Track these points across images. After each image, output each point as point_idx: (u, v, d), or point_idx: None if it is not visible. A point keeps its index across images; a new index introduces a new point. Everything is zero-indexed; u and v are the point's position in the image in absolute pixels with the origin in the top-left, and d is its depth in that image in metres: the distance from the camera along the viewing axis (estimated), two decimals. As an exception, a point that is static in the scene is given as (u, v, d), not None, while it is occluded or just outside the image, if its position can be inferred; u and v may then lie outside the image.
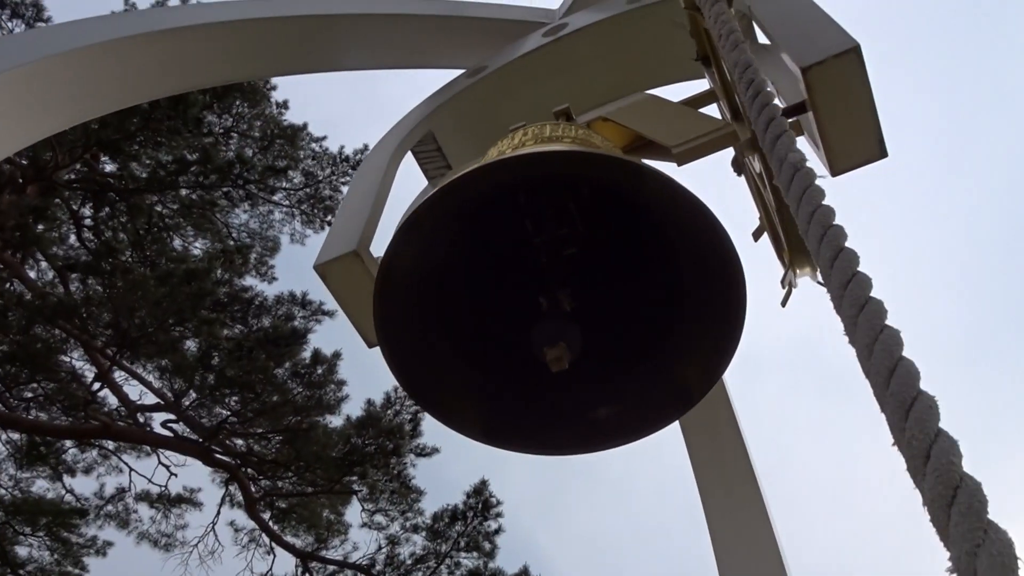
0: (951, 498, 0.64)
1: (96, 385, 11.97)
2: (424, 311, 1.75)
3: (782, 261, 2.12)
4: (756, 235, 2.01)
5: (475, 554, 13.12)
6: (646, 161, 1.86)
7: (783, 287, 2.20)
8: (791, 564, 3.19)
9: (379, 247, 2.08)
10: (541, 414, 1.85)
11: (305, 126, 15.36)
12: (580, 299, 1.72)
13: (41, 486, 13.15)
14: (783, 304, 2.05)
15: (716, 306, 1.61)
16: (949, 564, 0.63)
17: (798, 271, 2.04)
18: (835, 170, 1.96)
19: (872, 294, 0.86)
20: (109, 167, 14.24)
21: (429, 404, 1.81)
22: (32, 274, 13.09)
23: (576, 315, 1.68)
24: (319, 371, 12.10)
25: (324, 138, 15.58)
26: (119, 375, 12.44)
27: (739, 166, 2.39)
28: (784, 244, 2.02)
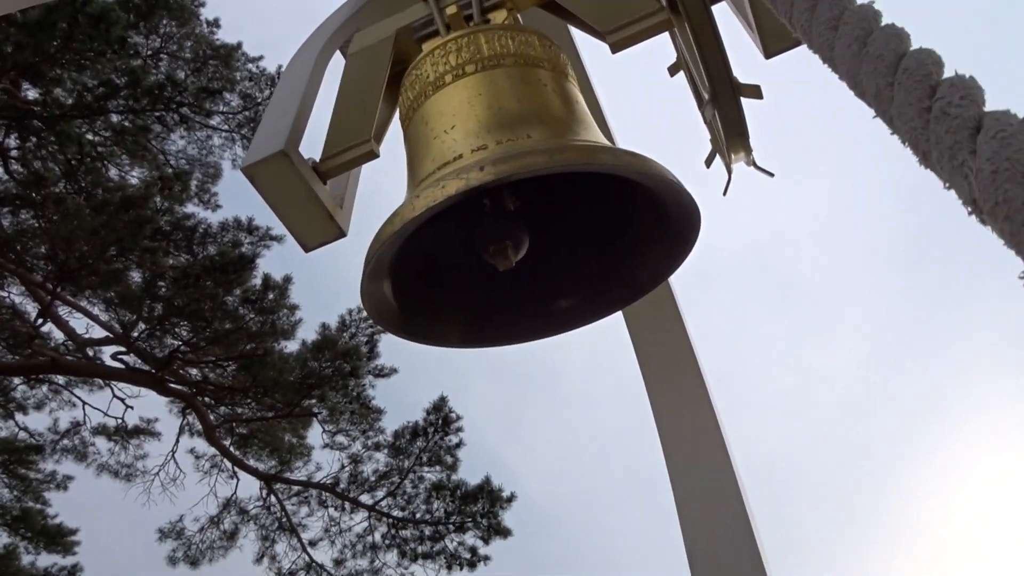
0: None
1: (39, 321, 11.68)
2: (400, 268, 1.78)
3: (719, 149, 2.11)
4: (702, 110, 2.00)
5: (437, 468, 13.42)
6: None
7: (707, 166, 2.21)
8: (736, 458, 3.32)
9: (308, 149, 2.02)
10: (505, 312, 1.94)
11: (239, 45, 14.75)
12: (529, 200, 1.74)
13: (-8, 425, 12.98)
14: (724, 193, 2.06)
15: (669, 221, 1.65)
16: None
17: (733, 156, 2.04)
18: (768, 52, 1.94)
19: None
20: (32, 93, 13.56)
21: (414, 334, 1.89)
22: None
23: (524, 214, 1.69)
24: (270, 297, 11.97)
25: (260, 58, 14.99)
26: (63, 310, 12.15)
27: (675, 68, 2.36)
28: (720, 129, 2.01)
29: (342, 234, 2.00)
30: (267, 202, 2.08)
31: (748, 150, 2.03)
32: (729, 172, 2.05)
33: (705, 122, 2.09)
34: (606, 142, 1.69)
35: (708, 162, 2.21)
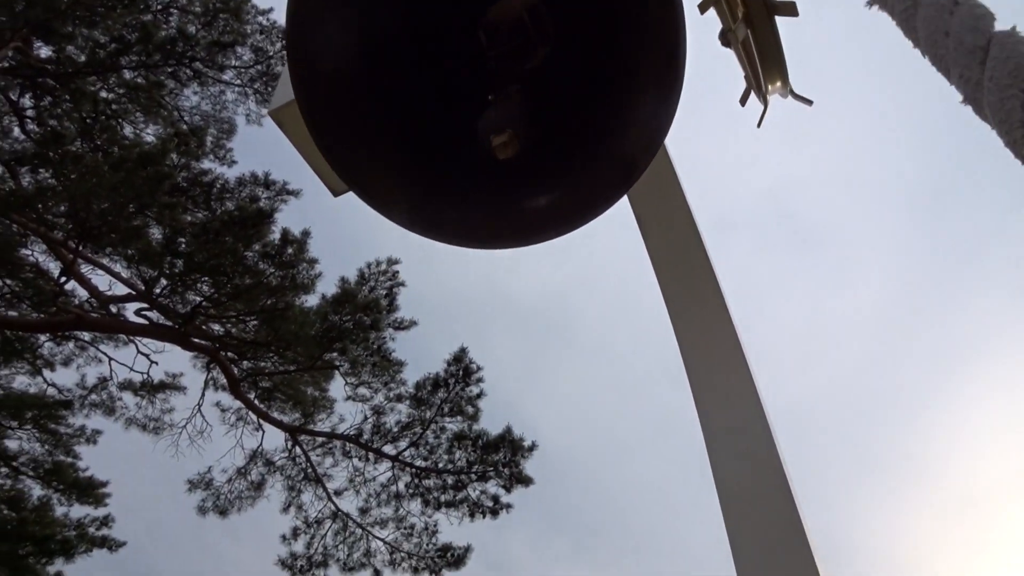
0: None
1: (63, 279, 11.80)
2: (355, 99, 1.65)
3: (755, 79, 2.06)
4: (734, 30, 1.94)
5: (459, 418, 13.56)
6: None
7: (742, 104, 2.15)
8: (766, 399, 3.31)
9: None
10: (486, 208, 1.81)
11: (249, -2, 14.58)
12: (521, 84, 1.63)
13: (22, 382, 13.24)
14: (759, 125, 2.01)
15: (654, 69, 1.54)
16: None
17: (769, 85, 1.99)
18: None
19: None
20: (44, 52, 13.50)
21: (369, 197, 1.73)
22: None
23: (521, 101, 1.59)
24: (289, 251, 12.00)
25: (271, 10, 14.83)
26: (85, 268, 12.26)
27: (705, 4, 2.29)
28: (756, 57, 1.96)
29: (369, 178, 1.98)
30: (294, 146, 2.07)
31: (785, 77, 1.97)
32: (765, 103, 2.00)
33: (736, 47, 2.03)
34: None
35: (743, 99, 2.15)
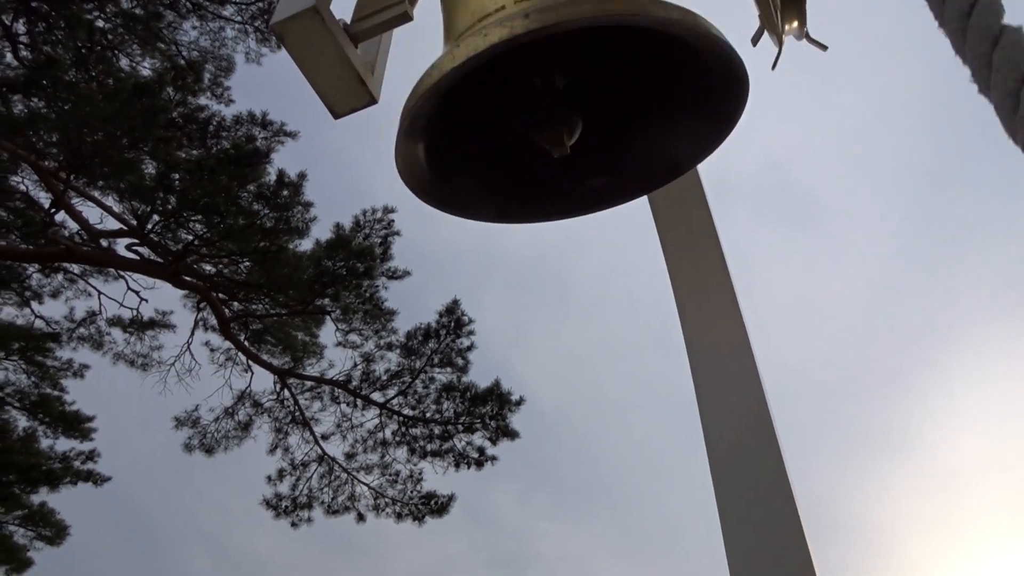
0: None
1: (53, 210, 11.65)
2: (436, 131, 1.69)
3: (770, 18, 1.95)
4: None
5: (448, 370, 13.60)
6: None
7: (753, 44, 2.05)
8: (762, 368, 3.27)
9: (339, 10, 1.89)
10: (538, 188, 1.87)
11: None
12: (576, 79, 1.68)
13: (9, 312, 13.16)
14: (772, 67, 1.92)
15: (717, 78, 1.55)
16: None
17: (786, 26, 1.89)
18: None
19: None
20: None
21: (445, 203, 1.82)
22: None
23: (572, 94, 1.64)
24: (284, 193, 11.86)
25: (273, -57, 14.39)
26: (76, 200, 12.09)
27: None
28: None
29: (373, 101, 1.90)
30: (296, 62, 1.97)
31: (803, 19, 1.87)
32: (780, 43, 1.89)
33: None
34: None
35: (755, 39, 2.05)
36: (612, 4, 1.39)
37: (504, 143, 1.84)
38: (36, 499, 13.26)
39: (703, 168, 2.77)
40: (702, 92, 1.61)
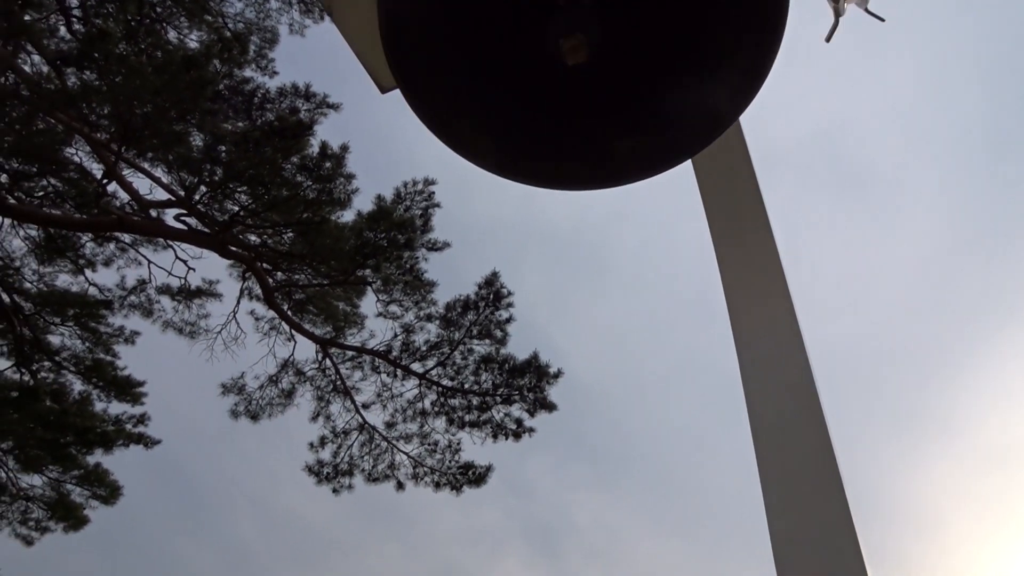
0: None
1: (105, 181, 11.94)
2: (437, 43, 1.62)
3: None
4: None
5: (487, 341, 13.71)
6: None
7: (827, 40, 2.03)
8: (809, 343, 3.24)
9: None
10: (562, 149, 1.77)
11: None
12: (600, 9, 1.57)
13: (65, 280, 13.58)
14: (827, 39, 1.91)
15: (753, 20, 1.48)
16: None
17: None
18: None
19: None
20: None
21: (451, 142, 1.71)
22: (26, 69, 12.65)
23: (596, 18, 1.53)
24: (327, 165, 11.98)
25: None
26: (127, 171, 12.37)
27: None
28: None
29: (419, 78, 1.93)
30: (344, 37, 2.01)
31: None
32: (838, 15, 1.88)
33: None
34: None
35: (829, 36, 2.02)
36: None
37: (523, 83, 1.68)
38: (91, 460, 13.74)
39: (749, 136, 2.74)
40: (737, 31, 1.55)
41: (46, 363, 13.57)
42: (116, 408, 14.07)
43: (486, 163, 1.72)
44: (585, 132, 1.72)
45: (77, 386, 13.82)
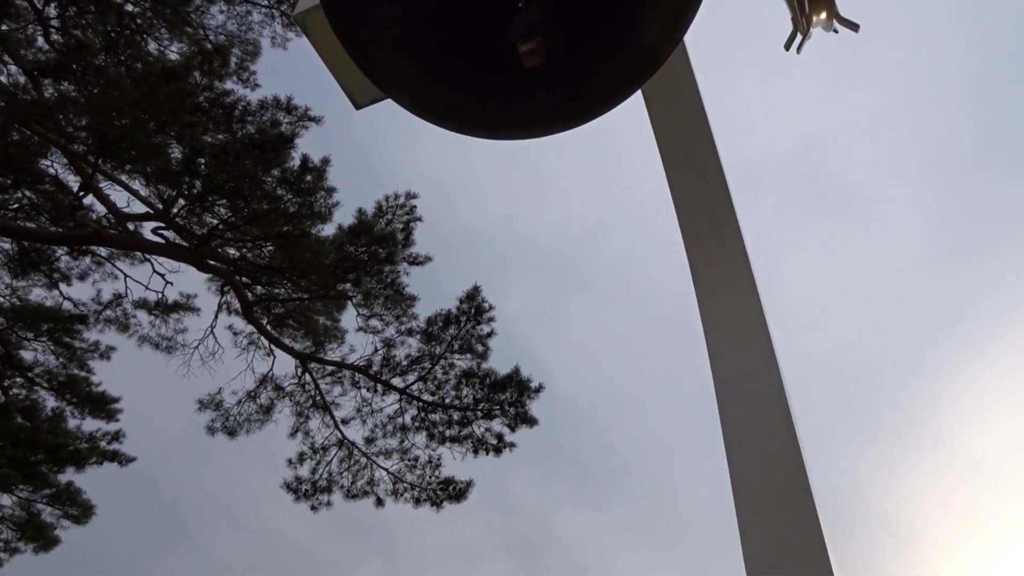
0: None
1: (81, 193, 11.80)
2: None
3: (797, 8, 1.92)
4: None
5: (468, 356, 13.64)
6: None
7: (786, 48, 2.01)
8: (782, 357, 3.24)
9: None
10: (497, 95, 1.69)
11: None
12: None
13: (38, 294, 13.38)
14: (798, 51, 1.88)
15: None
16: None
17: (815, 17, 1.86)
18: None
19: None
20: (69, -41, 13.24)
21: (369, 68, 1.63)
22: (2, 79, 12.52)
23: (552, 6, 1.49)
24: (308, 178, 11.91)
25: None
26: (104, 184, 12.24)
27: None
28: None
29: (393, 93, 1.89)
30: (318, 53, 1.98)
31: (832, 11, 1.83)
32: (807, 25, 1.85)
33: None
34: None
35: (788, 43, 2.00)
36: None
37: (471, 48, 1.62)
38: (63, 479, 13.50)
39: (726, 157, 2.73)
40: None
41: (18, 379, 13.34)
42: (90, 425, 13.87)
43: (404, 98, 1.65)
44: (515, 72, 1.60)
45: (50, 402, 13.60)
